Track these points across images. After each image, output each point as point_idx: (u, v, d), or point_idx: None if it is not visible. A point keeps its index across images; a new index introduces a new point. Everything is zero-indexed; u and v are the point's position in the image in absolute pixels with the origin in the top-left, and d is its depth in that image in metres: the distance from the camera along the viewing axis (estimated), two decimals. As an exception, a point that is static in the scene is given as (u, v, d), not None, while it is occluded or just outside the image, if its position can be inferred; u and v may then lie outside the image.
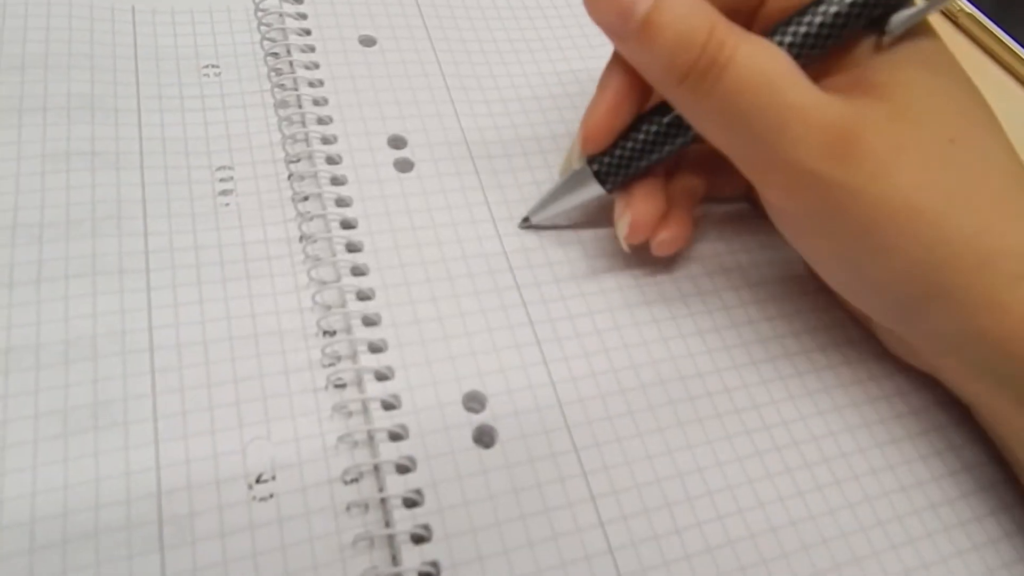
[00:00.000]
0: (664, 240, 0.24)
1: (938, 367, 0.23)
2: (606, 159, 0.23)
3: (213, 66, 0.28)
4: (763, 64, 0.19)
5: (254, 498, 0.20)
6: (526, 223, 0.26)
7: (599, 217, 0.27)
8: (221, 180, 0.26)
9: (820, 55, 0.20)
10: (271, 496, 0.20)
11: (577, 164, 0.24)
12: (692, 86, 0.19)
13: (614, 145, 0.23)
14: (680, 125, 0.22)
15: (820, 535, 0.22)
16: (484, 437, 0.22)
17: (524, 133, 0.29)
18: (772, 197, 0.21)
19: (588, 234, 0.27)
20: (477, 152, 0.28)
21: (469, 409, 0.22)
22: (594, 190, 0.24)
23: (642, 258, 0.26)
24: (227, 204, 0.25)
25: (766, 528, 0.21)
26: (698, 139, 0.22)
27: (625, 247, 0.24)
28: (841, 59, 0.21)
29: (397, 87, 0.29)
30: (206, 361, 0.22)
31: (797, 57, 0.20)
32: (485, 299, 0.24)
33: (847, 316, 0.26)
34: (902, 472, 0.23)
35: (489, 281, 0.25)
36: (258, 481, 0.20)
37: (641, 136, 0.23)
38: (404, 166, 0.27)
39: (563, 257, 0.26)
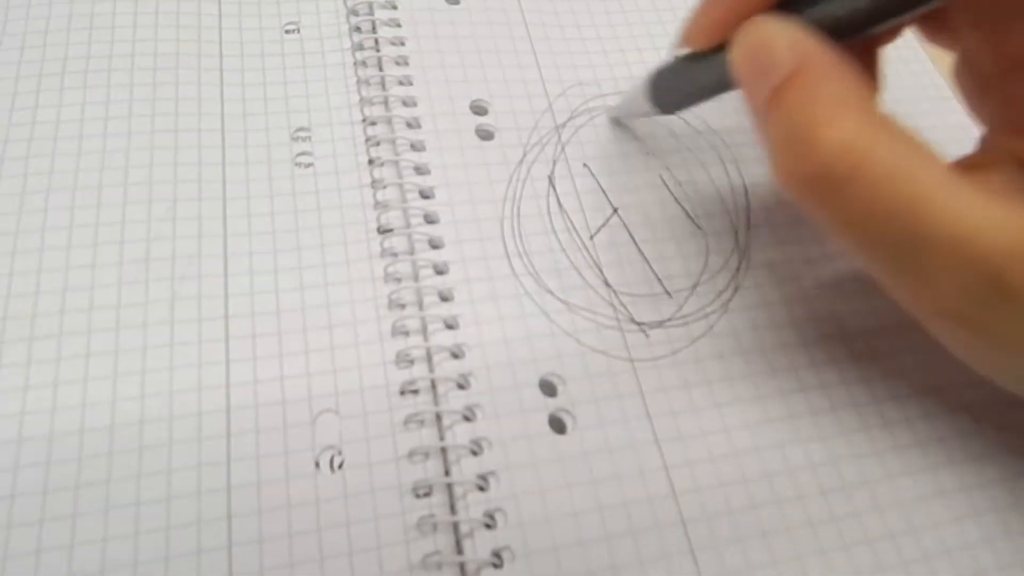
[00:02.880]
0: None
1: None
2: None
3: (295, 24, 0.28)
4: (901, 167, 0.15)
5: (320, 471, 0.19)
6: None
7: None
8: (298, 141, 0.25)
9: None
10: (337, 470, 0.20)
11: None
12: (814, 190, 0.16)
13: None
14: None
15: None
16: (561, 424, 0.21)
17: (613, 102, 0.27)
18: (922, 321, 0.17)
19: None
20: (562, 120, 0.26)
21: (546, 393, 0.21)
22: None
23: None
24: (304, 167, 0.24)
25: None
26: None
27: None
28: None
29: (482, 49, 0.27)
30: (279, 331, 0.21)
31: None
32: (566, 277, 0.23)
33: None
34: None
35: (572, 259, 0.23)
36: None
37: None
38: (486, 134, 0.26)
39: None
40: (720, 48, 0.19)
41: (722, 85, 0.19)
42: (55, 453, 0.19)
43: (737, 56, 0.18)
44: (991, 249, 0.14)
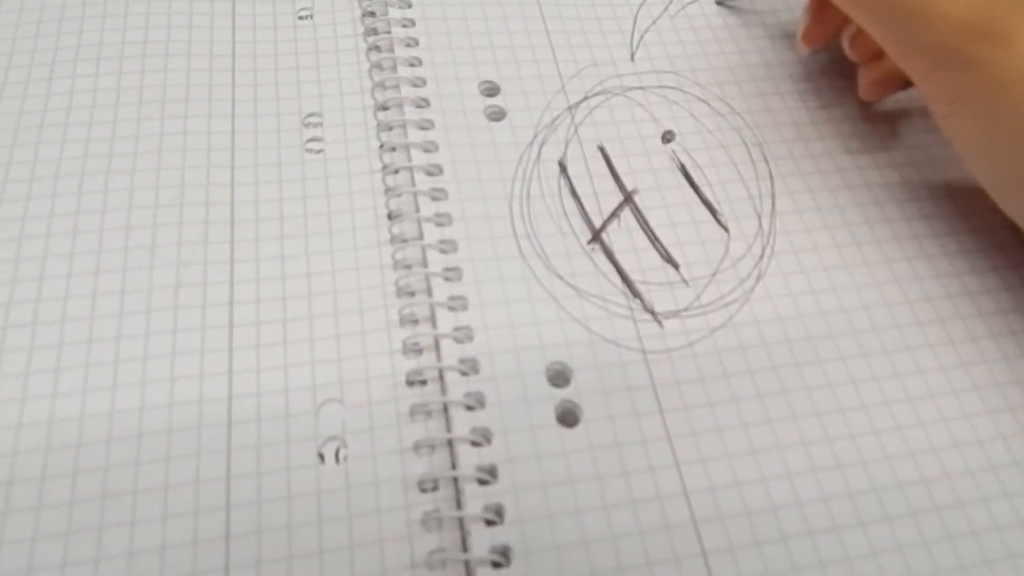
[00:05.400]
0: (874, 81, 0.25)
1: None
2: None
3: (308, 10, 0.27)
4: None
5: (323, 462, 0.19)
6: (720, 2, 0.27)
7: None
8: (309, 127, 0.24)
9: None
10: (340, 461, 0.19)
11: None
12: None
13: None
14: None
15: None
16: (568, 416, 0.20)
17: (629, 83, 0.26)
18: (921, 83, 0.22)
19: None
20: (575, 101, 0.25)
21: (553, 384, 0.20)
22: None
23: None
24: (314, 153, 0.24)
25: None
26: None
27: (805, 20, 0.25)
28: None
29: (493, 30, 0.26)
30: (283, 319, 0.21)
31: None
32: (577, 262, 0.22)
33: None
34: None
35: (583, 243, 0.22)
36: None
37: None
38: (496, 115, 0.25)
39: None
40: None
41: None
42: (53, 442, 0.19)
43: None
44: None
